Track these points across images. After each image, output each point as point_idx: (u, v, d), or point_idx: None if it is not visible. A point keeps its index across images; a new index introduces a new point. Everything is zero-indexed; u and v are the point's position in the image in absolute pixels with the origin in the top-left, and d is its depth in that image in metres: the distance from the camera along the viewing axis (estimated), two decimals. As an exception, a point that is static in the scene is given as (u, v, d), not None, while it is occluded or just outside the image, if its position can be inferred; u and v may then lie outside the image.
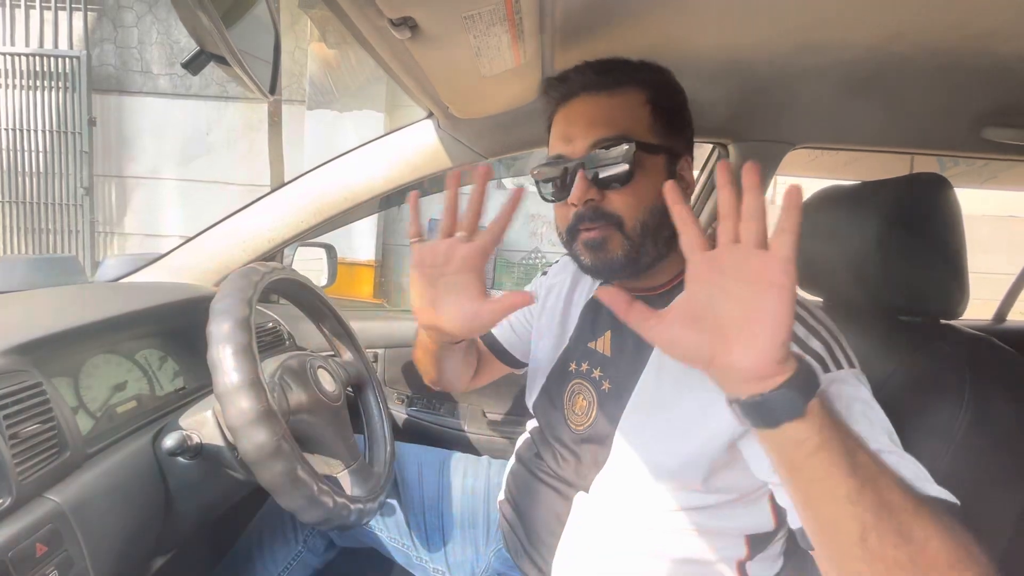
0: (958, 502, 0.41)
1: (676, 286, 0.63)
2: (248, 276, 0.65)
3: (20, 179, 4.60)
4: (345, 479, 0.68)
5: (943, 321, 0.64)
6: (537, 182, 0.64)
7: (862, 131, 0.91)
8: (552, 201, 0.64)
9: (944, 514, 0.36)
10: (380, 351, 1.11)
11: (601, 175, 0.58)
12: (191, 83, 4.65)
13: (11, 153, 4.55)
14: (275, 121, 4.45)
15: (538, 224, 4.86)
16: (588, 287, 0.75)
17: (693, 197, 1.03)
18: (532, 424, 0.79)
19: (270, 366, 0.67)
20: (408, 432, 1.10)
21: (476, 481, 0.87)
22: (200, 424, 0.65)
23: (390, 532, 0.83)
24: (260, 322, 1.00)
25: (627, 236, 0.59)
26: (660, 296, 0.63)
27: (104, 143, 4.61)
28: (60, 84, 4.44)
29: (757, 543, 0.59)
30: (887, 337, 0.65)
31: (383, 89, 4.38)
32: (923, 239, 0.62)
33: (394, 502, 0.83)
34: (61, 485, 0.51)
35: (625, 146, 0.57)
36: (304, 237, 0.99)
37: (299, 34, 4.45)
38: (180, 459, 0.64)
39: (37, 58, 4.39)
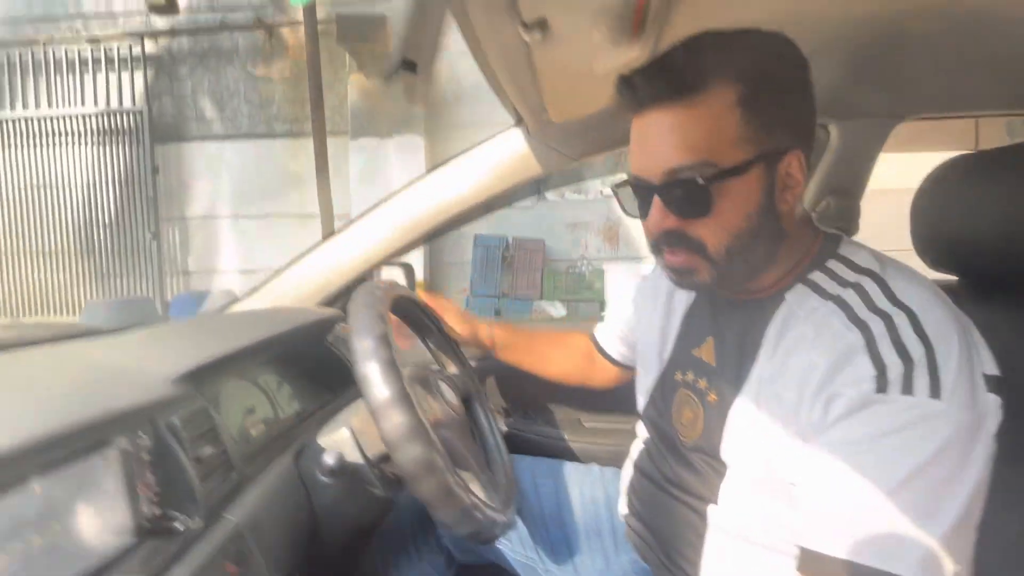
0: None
1: (776, 293, 0.56)
2: (373, 293, 0.66)
3: (92, 230, 4.95)
4: (479, 491, 0.68)
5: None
6: (615, 194, 0.59)
7: (976, 96, 0.85)
8: (631, 216, 0.59)
9: None
10: (474, 363, 1.12)
11: (678, 204, 0.52)
12: (241, 124, 4.91)
13: (84, 207, 4.90)
14: (320, 153, 4.63)
15: (582, 232, 4.83)
16: (662, 293, 0.73)
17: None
18: (642, 432, 0.76)
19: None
20: (511, 444, 1.09)
21: (594, 490, 0.85)
22: (339, 443, 0.66)
23: (513, 546, 0.82)
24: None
25: (712, 262, 0.53)
26: (758, 303, 0.58)
27: (166, 189, 4.90)
28: (126, 139, 4.77)
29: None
30: None
31: (421, 115, 4.49)
32: None
33: (517, 517, 0.82)
34: (232, 506, 0.53)
35: (703, 176, 0.49)
36: (397, 255, 1.01)
37: (338, 67, 4.63)
38: (323, 478, 0.66)
39: (105, 116, 4.74)
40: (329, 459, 0.63)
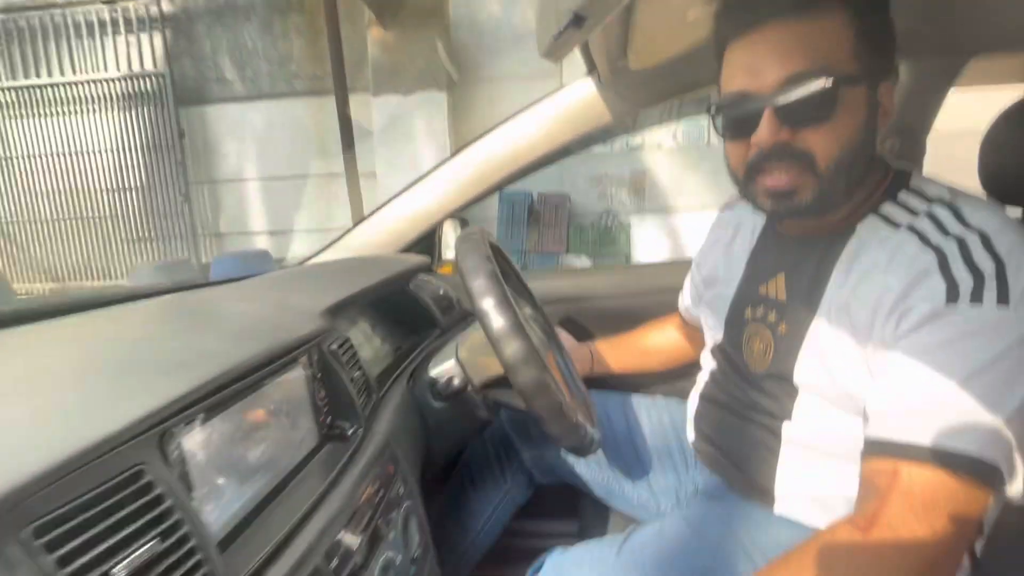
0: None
1: (847, 228, 0.60)
2: (473, 238, 0.72)
3: (122, 195, 5.06)
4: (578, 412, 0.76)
5: None
6: (712, 117, 0.62)
7: None
8: (729, 140, 0.61)
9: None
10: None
11: (796, 111, 0.53)
12: (261, 84, 4.88)
13: (114, 173, 4.99)
14: (343, 112, 4.61)
15: (607, 185, 4.79)
16: (749, 234, 0.76)
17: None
18: (710, 365, 0.82)
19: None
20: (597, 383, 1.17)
21: (661, 417, 0.93)
22: (450, 371, 0.74)
23: (591, 469, 0.91)
24: (434, 288, 1.10)
25: (820, 176, 0.56)
26: (829, 237, 0.62)
27: (193, 152, 4.96)
28: (150, 103, 4.80)
29: None
30: None
31: (443, 68, 4.41)
32: None
33: (595, 440, 0.90)
34: (376, 421, 0.61)
35: (825, 80, 0.51)
36: (469, 205, 1.06)
37: (356, 20, 4.53)
38: (434, 402, 0.74)
39: (127, 80, 4.75)
40: (441, 385, 0.71)
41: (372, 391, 0.62)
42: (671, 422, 0.92)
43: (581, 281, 1.22)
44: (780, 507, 0.67)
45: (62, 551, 0.25)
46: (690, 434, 0.82)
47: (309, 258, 1.09)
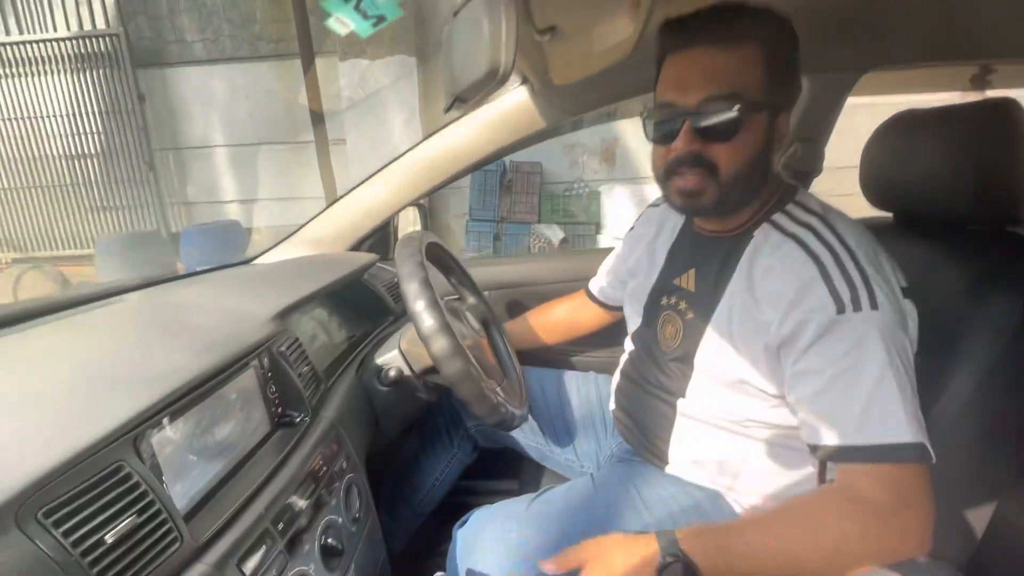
0: (887, 441, 0.56)
1: (744, 233, 0.71)
2: (411, 244, 0.81)
3: (81, 162, 4.91)
4: (502, 393, 0.88)
5: (1008, 228, 0.74)
6: (644, 121, 0.72)
7: (930, 47, 0.94)
8: (654, 143, 0.71)
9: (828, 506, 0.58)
10: (487, 293, 1.29)
11: (707, 128, 0.63)
12: (224, 46, 4.71)
13: (69, 137, 4.82)
14: (310, 76, 4.50)
15: (579, 153, 4.83)
16: (670, 232, 0.87)
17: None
18: (630, 347, 0.95)
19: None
20: (521, 358, 1.30)
21: (588, 391, 1.06)
22: (393, 360, 0.84)
23: (526, 435, 1.04)
24: (388, 277, 1.19)
25: (720, 184, 0.66)
26: (731, 239, 0.73)
27: (156, 118, 4.81)
28: (105, 64, 4.60)
29: None
30: (955, 246, 0.75)
31: (411, 35, 4.31)
32: (992, 156, 0.70)
33: (528, 414, 1.03)
34: (325, 407, 0.72)
35: (736, 104, 0.61)
36: (417, 200, 1.15)
37: (320, -19, 4.37)
38: (380, 387, 0.85)
39: (78, 41, 4.53)
40: (388, 372, 0.82)
41: (320, 382, 0.73)
42: (597, 395, 1.06)
43: (525, 267, 1.33)
44: (670, 468, 0.81)
45: (66, 526, 0.36)
46: (611, 404, 0.96)
47: (265, 252, 1.16)
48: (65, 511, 0.36)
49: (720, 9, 0.63)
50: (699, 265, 0.78)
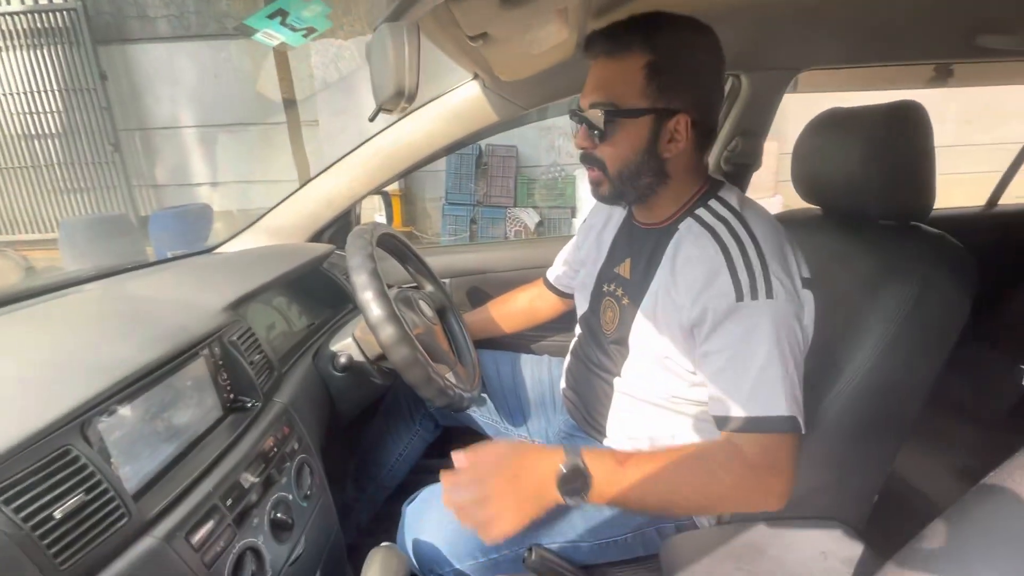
0: (769, 414, 0.64)
1: (672, 224, 0.77)
2: (362, 236, 0.84)
3: (42, 142, 4.75)
4: (451, 378, 0.92)
5: (913, 223, 0.80)
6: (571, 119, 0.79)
7: (861, 49, 1.00)
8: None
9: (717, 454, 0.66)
10: (447, 281, 1.33)
11: (588, 129, 0.73)
12: (189, 23, 4.56)
13: (26, 116, 4.64)
14: (280, 54, 4.40)
15: (555, 136, 4.84)
16: (615, 224, 0.92)
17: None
18: (579, 331, 1.00)
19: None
20: (479, 343, 1.35)
21: (541, 373, 1.12)
22: (347, 347, 0.88)
23: (483, 414, 1.10)
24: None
25: (610, 180, 0.75)
26: (660, 230, 0.79)
27: (119, 96, 4.66)
28: (63, 39, 4.42)
29: None
30: (869, 238, 0.81)
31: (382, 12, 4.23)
32: (899, 156, 0.76)
33: (484, 395, 1.09)
34: (278, 393, 0.76)
35: (604, 111, 0.70)
36: (373, 193, 1.17)
37: (289, -44, 4.24)
38: (335, 372, 0.89)
39: (35, 15, 4.34)
40: (340, 359, 0.86)
41: (274, 368, 0.77)
42: (549, 377, 1.12)
43: (485, 255, 1.37)
44: (608, 441, 0.87)
45: (16, 504, 0.39)
46: (562, 383, 1.01)
47: (227, 241, 1.18)
48: (14, 490, 0.40)
49: (615, 24, 0.69)
50: (634, 255, 0.84)
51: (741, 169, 1.15)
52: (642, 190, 0.75)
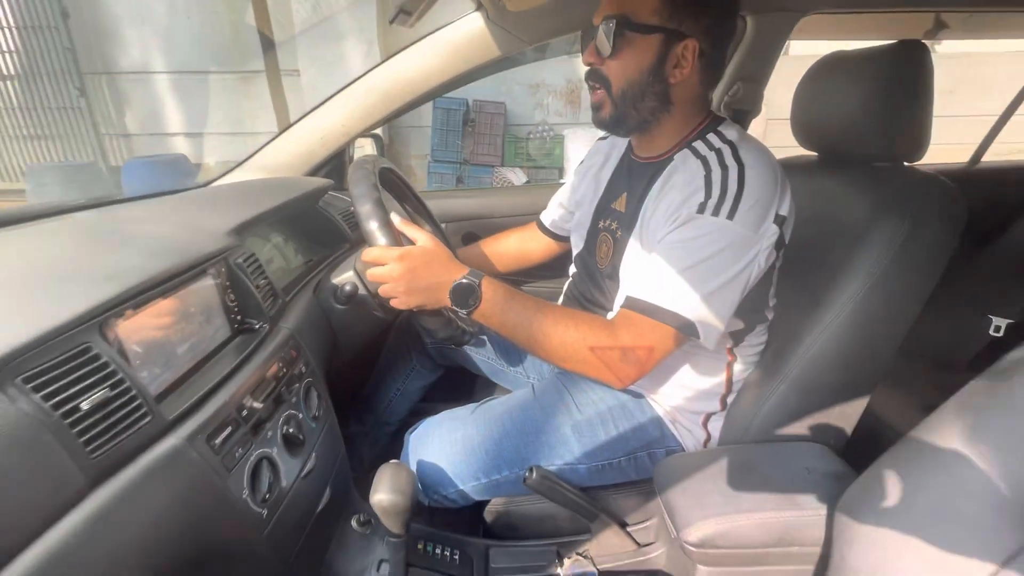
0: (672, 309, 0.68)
1: (668, 158, 0.79)
2: (364, 166, 0.83)
3: (2, 84, 4.47)
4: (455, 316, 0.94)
5: (907, 164, 0.82)
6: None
7: None
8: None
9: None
10: (444, 225, 1.32)
11: (599, 45, 0.73)
12: (157, -42, 4.27)
13: (-15, 56, 4.36)
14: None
15: (543, 95, 4.75)
16: (613, 162, 0.93)
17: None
18: (572, 271, 1.02)
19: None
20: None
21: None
22: (348, 279, 0.88)
23: (479, 354, 1.12)
24: (344, 205, 1.20)
25: (613, 100, 0.75)
26: (657, 163, 0.80)
27: (83, 38, 4.38)
28: (19, -29, 4.11)
29: (737, 336, 0.85)
30: (864, 179, 0.84)
31: (368, -49, 4.02)
32: (900, 97, 0.77)
33: (484, 337, 1.11)
34: (283, 319, 0.76)
35: (615, 23, 0.71)
36: (372, 128, 1.15)
37: None
38: (337, 305, 0.89)
39: (-15, -59, 4.01)
40: (345, 288, 0.86)
41: (278, 296, 0.77)
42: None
43: (483, 200, 1.36)
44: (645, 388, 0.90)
45: (43, 392, 0.40)
46: None
47: (219, 177, 1.15)
48: (41, 380, 0.40)
49: None
50: (631, 189, 0.85)
51: (740, 115, 1.16)
52: (644, 114, 0.76)
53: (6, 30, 4.26)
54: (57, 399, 0.40)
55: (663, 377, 0.85)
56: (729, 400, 0.86)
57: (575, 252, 0.99)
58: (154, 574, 0.46)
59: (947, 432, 0.51)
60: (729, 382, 0.85)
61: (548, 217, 1.12)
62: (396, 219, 0.78)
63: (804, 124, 0.92)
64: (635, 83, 0.73)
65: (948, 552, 0.46)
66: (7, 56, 4.35)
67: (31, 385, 0.39)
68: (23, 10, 4.24)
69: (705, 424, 0.87)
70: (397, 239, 0.76)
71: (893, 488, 0.52)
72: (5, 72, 4.42)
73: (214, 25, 4.44)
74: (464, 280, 0.73)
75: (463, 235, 1.34)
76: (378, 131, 1.42)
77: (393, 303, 0.76)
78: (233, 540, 0.55)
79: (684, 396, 0.86)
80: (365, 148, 1.57)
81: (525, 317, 0.73)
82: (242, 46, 4.43)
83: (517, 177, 4.60)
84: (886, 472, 0.54)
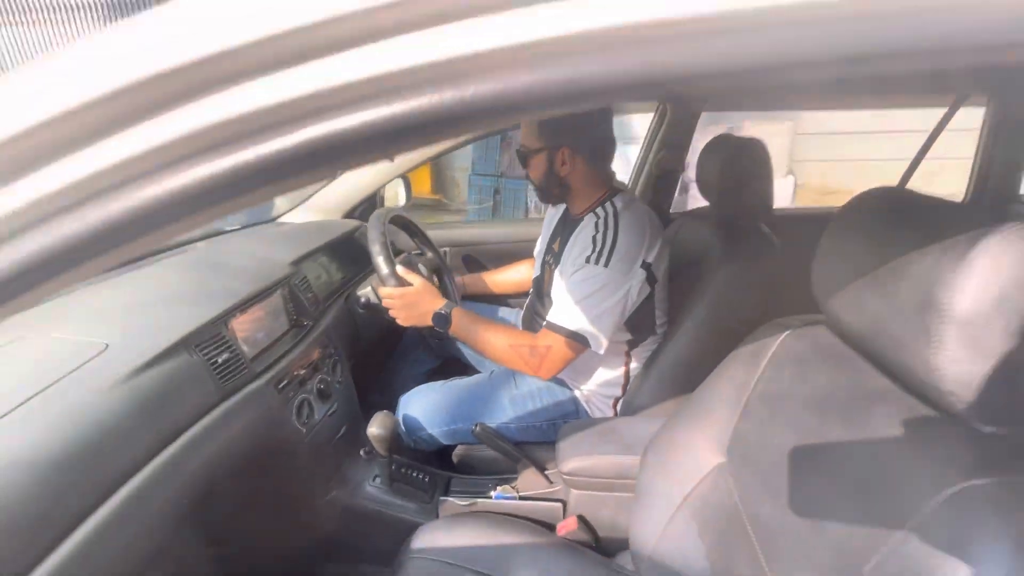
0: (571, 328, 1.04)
1: (580, 218, 1.14)
2: (377, 218, 1.24)
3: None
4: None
5: (759, 223, 1.14)
6: None
7: (759, 100, 1.30)
8: None
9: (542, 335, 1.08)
10: (447, 249, 1.73)
11: (519, 159, 1.16)
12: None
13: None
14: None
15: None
16: (562, 212, 1.29)
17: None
18: (532, 290, 1.39)
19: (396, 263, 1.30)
20: (478, 298, 1.76)
21: (509, 320, 1.52)
22: (366, 292, 1.30)
23: (467, 348, 1.51)
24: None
25: (537, 189, 1.17)
26: (576, 220, 1.16)
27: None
28: None
29: (631, 344, 1.19)
30: (727, 232, 1.16)
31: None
32: (746, 173, 1.10)
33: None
34: (323, 319, 1.19)
35: (521, 151, 1.13)
36: (400, 175, 1.57)
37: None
38: (359, 310, 1.32)
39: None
40: (362, 299, 1.29)
41: (320, 303, 1.20)
42: (517, 322, 1.52)
43: (480, 231, 1.76)
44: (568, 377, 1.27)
45: (203, 351, 0.83)
46: (520, 327, 1.42)
47: (286, 213, 1.61)
48: (201, 345, 0.83)
49: None
50: (563, 235, 1.22)
51: (669, 174, 1.49)
52: (556, 195, 1.14)
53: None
54: (208, 356, 0.83)
55: (581, 370, 1.21)
56: (629, 388, 1.21)
57: (533, 276, 1.37)
58: (242, 455, 0.88)
59: (699, 394, 0.84)
60: (627, 376, 1.20)
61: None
62: (400, 268, 1.19)
63: (700, 183, 1.25)
64: (542, 180, 1.12)
65: (676, 469, 0.80)
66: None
67: (197, 347, 0.82)
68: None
69: (615, 406, 1.23)
70: (392, 268, 1.17)
71: (665, 434, 0.87)
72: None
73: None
74: (442, 311, 1.13)
75: (462, 257, 1.74)
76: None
77: (398, 321, 1.17)
78: (284, 443, 0.97)
79: (595, 383, 1.22)
80: (397, 186, 2.00)
81: (478, 332, 1.12)
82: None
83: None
84: (666, 426, 0.88)
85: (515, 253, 1.62)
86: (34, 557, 0.51)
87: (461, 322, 1.13)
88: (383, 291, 1.16)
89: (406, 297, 1.14)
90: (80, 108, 0.23)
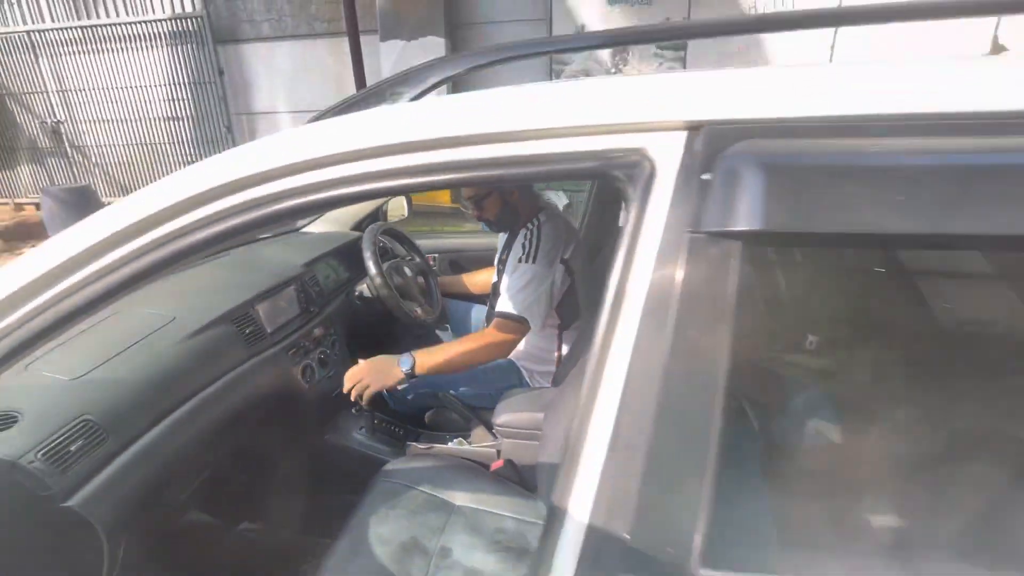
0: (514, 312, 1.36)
1: (520, 231, 1.46)
2: (371, 232, 1.61)
3: (174, 124, 5.97)
4: (418, 310, 1.68)
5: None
6: None
7: None
8: None
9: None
10: (435, 255, 2.08)
11: (473, 203, 1.47)
12: (286, 25, 5.50)
13: (165, 104, 5.86)
14: (355, 51, 5.22)
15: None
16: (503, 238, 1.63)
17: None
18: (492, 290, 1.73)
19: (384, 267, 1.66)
20: (460, 296, 2.10)
21: (480, 313, 1.86)
22: (363, 289, 1.67)
23: (447, 337, 1.87)
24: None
25: (490, 223, 1.49)
26: (515, 234, 1.48)
27: (233, 87, 5.74)
28: (192, 41, 5.53)
29: (560, 327, 1.51)
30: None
31: (441, 15, 4.92)
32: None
33: (447, 326, 1.85)
34: (327, 307, 1.56)
35: (476, 196, 1.43)
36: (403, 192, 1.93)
37: (365, -31, 5.00)
38: (357, 302, 1.68)
39: (171, 21, 5.45)
40: (360, 295, 1.65)
41: (325, 296, 1.57)
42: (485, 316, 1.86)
43: (465, 240, 2.10)
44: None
45: (238, 324, 1.20)
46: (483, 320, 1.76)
47: (307, 224, 2.00)
48: (238, 319, 1.20)
49: None
50: (509, 247, 1.55)
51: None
52: (502, 227, 1.52)
53: (181, 85, 5.71)
54: (240, 327, 1.21)
55: (523, 351, 1.54)
56: (560, 365, 1.53)
57: (493, 280, 1.71)
58: (260, 399, 1.25)
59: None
60: (560, 355, 1.53)
61: None
62: (378, 280, 1.54)
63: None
64: (498, 214, 1.47)
65: (563, 418, 1.12)
66: (180, 103, 5.83)
67: (233, 321, 1.20)
68: (192, 69, 5.66)
69: (553, 380, 1.55)
70: (380, 271, 1.52)
71: (559, 395, 1.18)
72: (178, 115, 5.91)
73: (323, 74, 5.60)
74: (403, 360, 1.33)
75: (449, 261, 2.09)
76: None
77: (372, 390, 1.33)
78: (292, 394, 1.34)
79: (534, 359, 1.55)
80: (400, 201, 2.37)
81: (444, 355, 1.36)
82: (342, 89, 5.54)
83: (559, 198, 5.27)
84: (560, 389, 1.20)
85: (493, 259, 1.96)
86: (149, 422, 0.89)
87: (425, 359, 1.33)
88: (346, 382, 1.33)
89: (369, 367, 1.33)
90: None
